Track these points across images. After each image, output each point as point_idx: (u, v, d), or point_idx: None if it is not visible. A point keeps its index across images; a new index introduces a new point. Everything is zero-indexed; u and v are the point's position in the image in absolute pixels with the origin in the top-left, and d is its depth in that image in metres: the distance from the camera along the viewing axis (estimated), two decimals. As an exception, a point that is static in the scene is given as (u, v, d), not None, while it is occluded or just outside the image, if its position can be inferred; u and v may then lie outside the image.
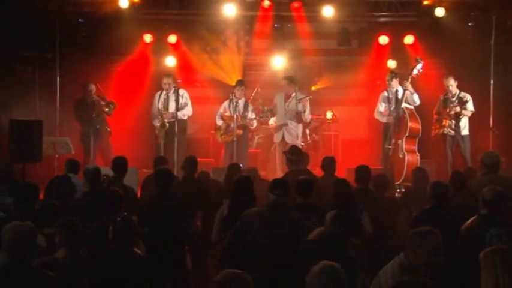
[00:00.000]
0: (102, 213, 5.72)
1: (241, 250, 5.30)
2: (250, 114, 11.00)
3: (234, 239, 5.36)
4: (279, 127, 11.00)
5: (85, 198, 6.68)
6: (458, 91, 10.39)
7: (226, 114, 10.96)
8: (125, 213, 5.36)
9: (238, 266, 5.11)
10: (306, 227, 5.41)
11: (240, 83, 11.07)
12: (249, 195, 6.27)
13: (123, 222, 4.97)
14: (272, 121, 11.52)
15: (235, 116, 10.67)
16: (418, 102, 10.47)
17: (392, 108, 10.51)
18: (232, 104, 10.83)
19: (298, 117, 10.80)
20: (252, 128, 11.45)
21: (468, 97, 10.33)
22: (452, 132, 10.36)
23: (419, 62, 10.37)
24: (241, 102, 10.89)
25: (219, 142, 11.24)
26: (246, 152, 11.09)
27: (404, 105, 10.36)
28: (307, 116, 11.05)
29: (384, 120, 10.68)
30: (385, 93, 10.68)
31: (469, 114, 10.36)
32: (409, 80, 10.31)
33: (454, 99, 10.35)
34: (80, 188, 7.14)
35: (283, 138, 10.92)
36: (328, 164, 7.87)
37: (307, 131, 12.10)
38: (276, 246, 5.19)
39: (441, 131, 10.40)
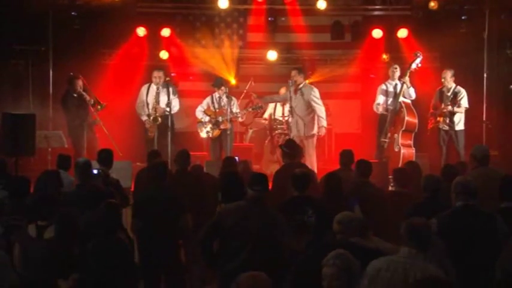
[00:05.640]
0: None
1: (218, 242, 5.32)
2: (235, 108, 10.91)
3: (210, 231, 5.36)
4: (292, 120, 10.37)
5: (76, 192, 6.66)
6: (454, 85, 10.39)
7: (211, 109, 10.89)
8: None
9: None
10: (283, 223, 5.42)
11: (218, 84, 10.83)
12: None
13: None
14: (267, 115, 11.43)
15: (227, 110, 10.62)
16: (414, 96, 10.45)
17: (389, 102, 10.50)
18: (215, 100, 10.79)
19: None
20: (242, 120, 11.41)
21: (463, 93, 10.31)
22: (447, 127, 10.37)
23: (418, 57, 10.33)
24: (224, 97, 10.75)
25: (205, 138, 11.00)
26: (232, 145, 10.96)
27: (401, 99, 10.36)
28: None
29: (381, 111, 10.56)
30: (383, 87, 10.63)
31: (463, 111, 10.34)
32: (408, 74, 10.30)
33: (449, 94, 10.34)
34: (70, 183, 7.14)
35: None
36: (346, 157, 7.75)
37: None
38: (252, 240, 5.19)
39: (437, 125, 10.42)
